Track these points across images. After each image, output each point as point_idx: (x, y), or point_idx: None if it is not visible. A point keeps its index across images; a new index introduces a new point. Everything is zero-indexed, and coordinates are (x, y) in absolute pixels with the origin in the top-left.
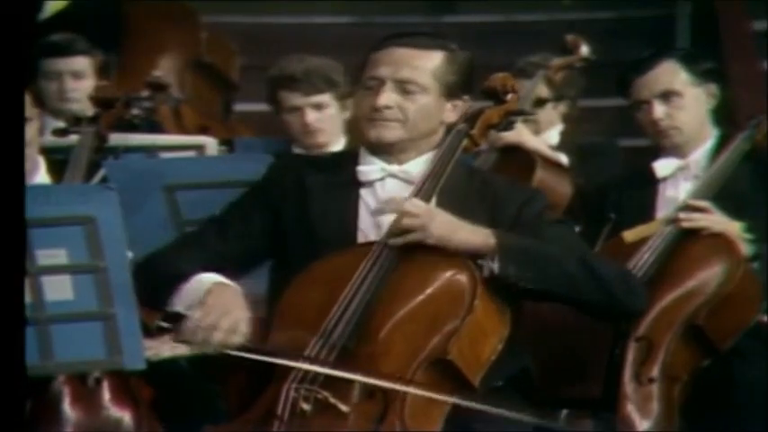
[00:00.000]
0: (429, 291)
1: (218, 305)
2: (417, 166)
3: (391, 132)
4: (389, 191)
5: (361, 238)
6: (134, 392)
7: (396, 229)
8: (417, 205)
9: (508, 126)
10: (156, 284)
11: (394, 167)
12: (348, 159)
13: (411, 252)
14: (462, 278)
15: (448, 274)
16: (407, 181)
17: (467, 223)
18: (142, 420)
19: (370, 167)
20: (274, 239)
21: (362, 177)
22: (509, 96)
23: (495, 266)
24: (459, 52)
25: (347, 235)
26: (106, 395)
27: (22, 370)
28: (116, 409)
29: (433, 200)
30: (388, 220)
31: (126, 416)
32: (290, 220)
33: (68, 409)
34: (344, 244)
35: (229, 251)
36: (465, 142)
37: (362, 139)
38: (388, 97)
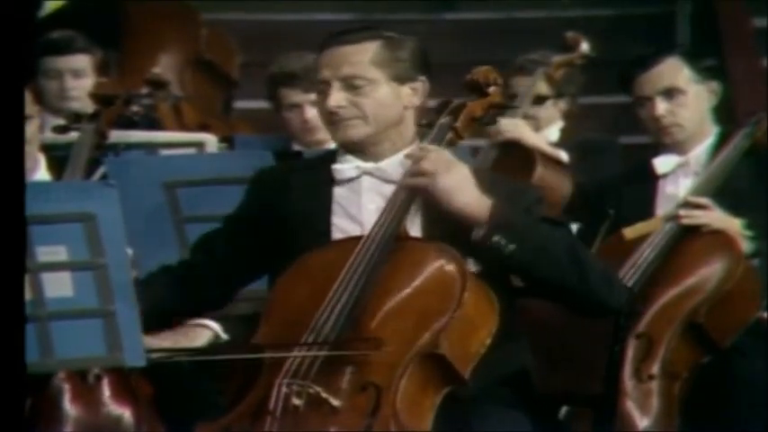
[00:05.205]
0: (418, 285)
1: None
2: (394, 164)
3: (355, 131)
4: (366, 188)
5: (337, 236)
6: (134, 390)
7: (412, 171)
8: (439, 153)
9: (493, 120)
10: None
11: (369, 165)
12: (327, 158)
13: (400, 246)
14: (451, 272)
15: (437, 267)
16: (384, 179)
17: (477, 191)
18: (142, 417)
19: (346, 166)
20: (265, 245)
21: (338, 176)
22: (491, 89)
23: (480, 233)
24: (398, 38)
25: (320, 234)
26: (106, 392)
27: (22, 367)
28: (116, 406)
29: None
30: (368, 218)
31: (126, 413)
32: (274, 221)
33: (68, 406)
34: (317, 242)
35: (219, 272)
36: (449, 136)
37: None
38: (337, 97)
